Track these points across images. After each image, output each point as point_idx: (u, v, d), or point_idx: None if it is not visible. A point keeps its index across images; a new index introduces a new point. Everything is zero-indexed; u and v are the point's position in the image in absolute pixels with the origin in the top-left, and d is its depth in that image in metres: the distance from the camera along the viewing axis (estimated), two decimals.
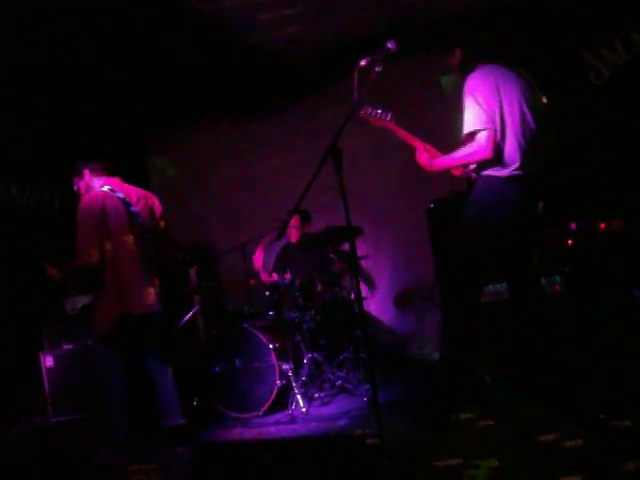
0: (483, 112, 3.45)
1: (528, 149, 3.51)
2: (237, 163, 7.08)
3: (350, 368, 5.06)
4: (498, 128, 3.46)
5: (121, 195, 4.29)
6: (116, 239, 4.20)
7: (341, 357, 5.13)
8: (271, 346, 4.88)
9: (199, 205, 7.30)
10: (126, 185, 4.45)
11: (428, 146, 3.89)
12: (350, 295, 5.63)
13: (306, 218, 6.05)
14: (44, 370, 5.51)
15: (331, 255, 5.33)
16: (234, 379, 4.99)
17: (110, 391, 4.23)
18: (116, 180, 4.43)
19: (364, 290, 6.33)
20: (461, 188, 3.80)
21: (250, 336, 5.00)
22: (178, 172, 7.40)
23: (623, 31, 5.16)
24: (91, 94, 6.02)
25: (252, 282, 5.82)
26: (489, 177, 3.55)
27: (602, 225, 4.48)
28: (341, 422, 4.29)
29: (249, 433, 4.48)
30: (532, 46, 5.49)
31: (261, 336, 4.95)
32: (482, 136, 3.46)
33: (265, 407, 4.81)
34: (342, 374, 5.04)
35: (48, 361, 5.52)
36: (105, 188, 4.31)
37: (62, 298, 5.85)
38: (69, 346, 5.61)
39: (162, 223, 4.48)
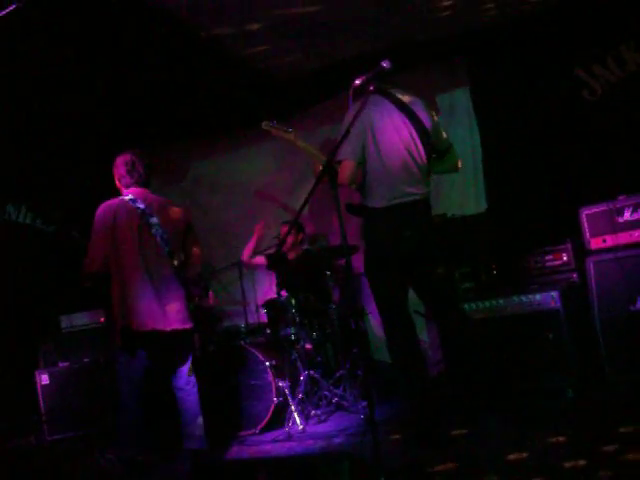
0: (347, 143, 3.61)
1: (403, 181, 3.71)
2: (234, 180, 7.09)
3: (347, 385, 5.05)
4: (369, 160, 3.70)
5: (141, 206, 4.10)
6: (123, 252, 4.05)
7: (338, 374, 5.12)
8: (268, 363, 4.88)
9: (195, 223, 7.27)
10: (153, 195, 4.27)
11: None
12: (347, 312, 5.63)
13: (299, 228, 6.09)
14: (39, 388, 5.49)
15: (327, 272, 5.33)
16: (230, 397, 4.97)
17: (120, 403, 4.11)
18: (143, 190, 4.24)
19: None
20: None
21: (247, 353, 5.00)
22: (174, 191, 7.40)
23: (616, 49, 5.21)
24: (87, 113, 6.04)
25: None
26: (370, 209, 3.78)
27: (597, 240, 4.49)
28: (338, 440, 4.28)
29: (245, 451, 4.47)
30: (526, 63, 5.56)
31: (258, 353, 4.95)
32: (342, 165, 3.70)
33: (262, 425, 4.81)
34: (339, 391, 5.03)
35: (43, 379, 5.50)
36: (126, 198, 4.15)
37: (58, 315, 5.84)
38: (65, 364, 5.59)
39: (190, 234, 4.33)
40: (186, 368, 4.20)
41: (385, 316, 3.81)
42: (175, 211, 4.28)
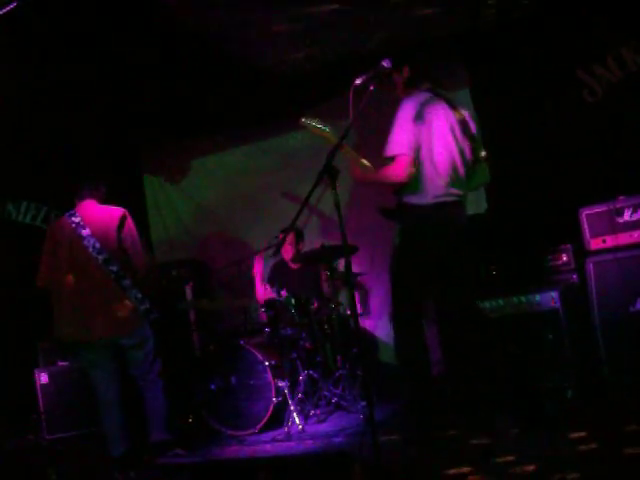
0: (405, 138, 3.57)
1: (448, 182, 3.66)
2: (234, 180, 7.09)
3: (346, 385, 5.04)
4: (420, 156, 3.59)
5: (76, 220, 4.27)
6: (59, 267, 4.26)
7: (337, 374, 5.12)
8: (267, 363, 4.87)
9: (195, 222, 7.30)
10: (96, 206, 4.41)
11: (361, 159, 4.02)
12: (346, 312, 5.62)
13: (299, 236, 6.06)
14: (38, 387, 5.48)
15: (326, 272, 5.33)
16: (230, 396, 4.97)
17: (101, 407, 4.31)
18: (89, 202, 4.41)
19: (360, 306, 6.32)
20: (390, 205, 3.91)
21: (246, 353, 4.99)
22: (174, 189, 7.41)
23: (616, 50, 5.21)
24: (88, 111, 6.03)
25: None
26: (411, 205, 3.68)
27: (597, 240, 4.50)
28: (337, 439, 4.27)
29: (245, 451, 4.47)
30: (526, 64, 5.56)
31: (257, 353, 4.94)
32: (399, 161, 3.58)
33: (261, 424, 4.80)
34: (338, 391, 5.03)
35: (43, 378, 5.50)
36: (67, 213, 4.34)
37: None
38: (64, 363, 5.59)
39: (130, 241, 4.31)
40: (147, 363, 4.34)
41: (400, 314, 3.79)
42: (108, 218, 4.34)
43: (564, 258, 4.73)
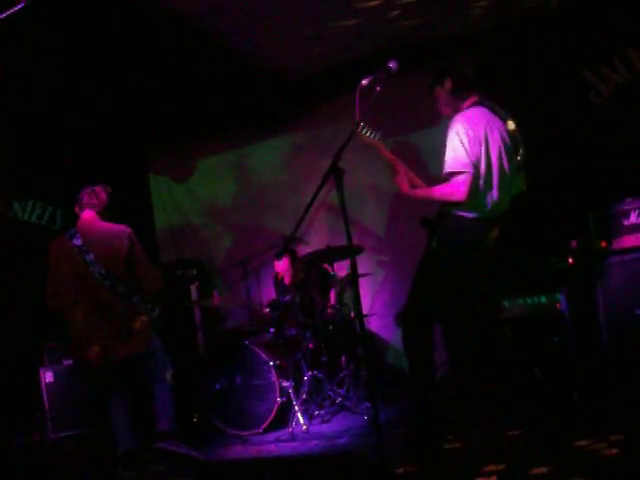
0: (466, 155, 3.48)
1: (498, 195, 3.61)
2: (239, 180, 7.10)
3: (351, 386, 5.05)
4: (476, 173, 3.51)
5: (79, 242, 4.23)
6: (66, 290, 4.23)
7: (342, 375, 5.12)
8: (272, 363, 4.88)
9: (201, 222, 7.31)
10: (98, 224, 4.36)
11: (411, 173, 3.99)
12: (350, 313, 5.63)
13: (294, 258, 6.07)
14: (44, 385, 5.49)
15: (331, 272, 5.33)
16: (234, 396, 4.99)
17: (109, 406, 4.32)
18: (90, 217, 4.37)
19: (365, 307, 6.32)
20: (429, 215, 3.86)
21: (251, 353, 5.00)
22: (180, 189, 7.41)
23: (623, 51, 5.19)
24: (92, 110, 6.04)
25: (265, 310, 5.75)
26: (459, 217, 3.61)
27: (603, 243, 4.49)
28: (341, 440, 4.28)
29: (249, 451, 4.48)
30: (533, 65, 5.55)
31: (262, 353, 4.95)
32: (460, 179, 3.50)
33: (265, 425, 4.81)
34: (342, 392, 5.03)
35: (48, 376, 5.50)
36: (67, 234, 4.30)
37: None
38: (69, 362, 5.59)
39: (141, 266, 4.32)
40: (157, 369, 4.33)
41: (414, 314, 3.74)
42: (114, 241, 4.29)
43: (570, 260, 4.71)
